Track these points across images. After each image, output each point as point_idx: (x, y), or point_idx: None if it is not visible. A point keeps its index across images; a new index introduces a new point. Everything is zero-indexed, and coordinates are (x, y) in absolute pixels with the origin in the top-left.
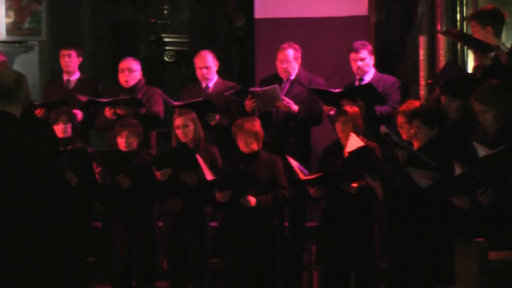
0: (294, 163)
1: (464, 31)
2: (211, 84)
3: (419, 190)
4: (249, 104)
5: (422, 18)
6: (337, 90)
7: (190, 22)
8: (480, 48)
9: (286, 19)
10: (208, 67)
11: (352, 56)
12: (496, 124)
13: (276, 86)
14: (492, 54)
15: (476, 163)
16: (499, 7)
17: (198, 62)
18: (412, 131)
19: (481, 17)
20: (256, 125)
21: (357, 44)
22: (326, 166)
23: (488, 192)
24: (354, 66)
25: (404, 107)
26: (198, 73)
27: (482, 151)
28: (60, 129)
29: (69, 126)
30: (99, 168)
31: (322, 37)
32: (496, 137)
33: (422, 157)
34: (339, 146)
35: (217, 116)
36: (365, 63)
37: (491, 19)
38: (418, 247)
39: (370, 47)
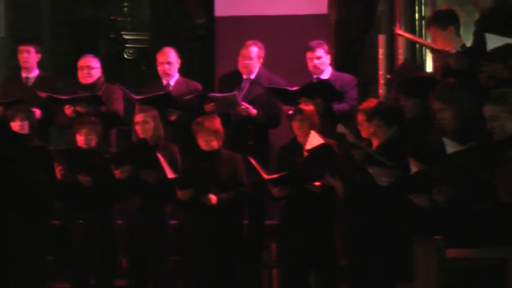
0: (255, 163)
1: (423, 31)
2: (172, 82)
3: (378, 188)
4: (207, 108)
5: (382, 17)
6: (294, 88)
7: (150, 20)
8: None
9: (246, 17)
10: (170, 62)
11: (309, 54)
12: (454, 123)
13: (236, 92)
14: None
15: (433, 161)
16: (457, 7)
17: (160, 57)
18: (371, 130)
19: (440, 19)
20: (217, 123)
21: (313, 42)
22: (284, 164)
23: (444, 190)
24: (310, 65)
25: (364, 105)
26: (160, 69)
27: (451, 147)
28: (17, 127)
29: (26, 123)
30: (60, 167)
31: (283, 35)
32: (455, 136)
33: (377, 157)
34: (296, 144)
35: (178, 113)
36: (321, 62)
37: (451, 19)
38: (378, 245)
39: (326, 46)
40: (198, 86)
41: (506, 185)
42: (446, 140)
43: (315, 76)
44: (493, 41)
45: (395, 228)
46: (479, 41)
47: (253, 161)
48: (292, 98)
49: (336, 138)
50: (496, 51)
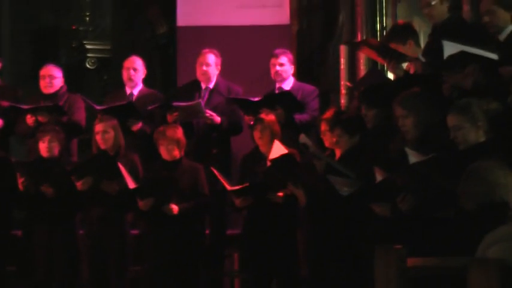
0: (219, 173)
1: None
2: (135, 92)
3: (340, 197)
4: (171, 117)
5: (343, 28)
6: (256, 99)
7: (112, 29)
8: (395, 57)
9: (208, 27)
10: (135, 69)
11: (272, 61)
12: (414, 130)
13: (200, 101)
14: (405, 64)
15: (397, 170)
16: (417, 17)
17: (126, 62)
18: (334, 139)
19: (398, 34)
20: (179, 132)
21: (278, 50)
22: (246, 174)
23: (408, 198)
24: (273, 71)
25: (327, 115)
26: (125, 74)
27: (413, 157)
28: None
29: None
30: (22, 179)
31: (244, 45)
32: (415, 144)
33: (338, 167)
34: (258, 153)
35: (140, 123)
36: (283, 69)
37: (409, 32)
38: (339, 254)
39: (290, 56)
40: (161, 96)
41: (468, 194)
42: (408, 150)
43: (277, 85)
44: (450, 48)
45: (356, 237)
46: (432, 52)
47: (216, 172)
48: (253, 108)
49: (298, 147)
50: (451, 58)
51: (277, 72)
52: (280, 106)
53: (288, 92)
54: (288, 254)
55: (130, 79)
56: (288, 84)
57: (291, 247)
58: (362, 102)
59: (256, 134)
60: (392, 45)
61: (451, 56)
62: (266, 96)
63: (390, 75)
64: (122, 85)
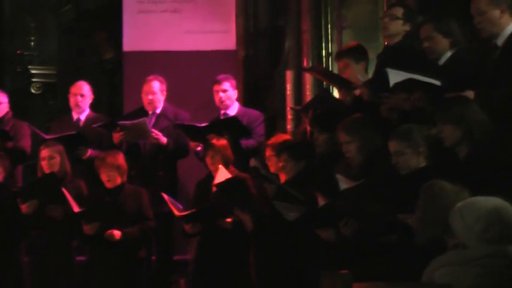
0: (168, 198)
1: (330, 68)
2: (82, 117)
3: (286, 223)
4: (117, 136)
5: (289, 54)
6: (202, 125)
7: (58, 54)
8: (343, 85)
9: (154, 52)
10: (83, 95)
11: (215, 87)
12: (358, 156)
13: (145, 119)
14: (357, 91)
15: (340, 195)
16: (364, 44)
17: (73, 88)
18: (280, 165)
19: (355, 52)
20: (119, 158)
21: (220, 76)
22: (200, 199)
23: (351, 223)
24: (217, 98)
25: (272, 140)
26: (72, 100)
27: (343, 184)
28: None
29: None
30: None
31: (191, 71)
32: (359, 170)
33: (289, 191)
34: (211, 179)
35: (89, 150)
36: (227, 96)
37: (364, 55)
38: (286, 278)
39: (233, 81)
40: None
41: (424, 223)
42: (338, 176)
43: (222, 111)
44: (395, 76)
45: (303, 262)
46: (381, 74)
47: (166, 197)
48: (200, 134)
49: (249, 172)
50: (399, 86)
51: (220, 99)
52: (226, 132)
53: (234, 118)
54: (239, 279)
55: (77, 105)
56: (233, 109)
57: (242, 272)
58: (314, 126)
59: (208, 160)
60: (344, 61)
61: (399, 84)
62: (212, 122)
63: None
64: (68, 110)
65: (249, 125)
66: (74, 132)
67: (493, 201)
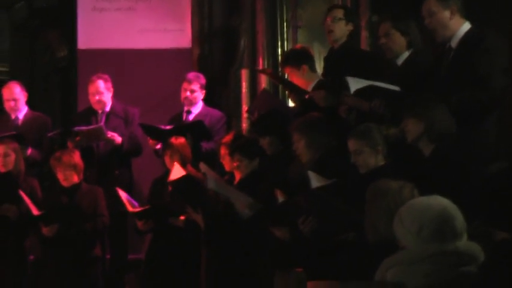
0: (123, 195)
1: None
2: (20, 116)
3: (240, 220)
4: (72, 144)
5: (244, 52)
6: (167, 127)
7: (10, 51)
8: (293, 89)
9: (109, 50)
10: (16, 99)
11: (184, 85)
12: (307, 153)
13: (102, 125)
14: (306, 96)
15: (298, 193)
16: (317, 43)
17: (5, 93)
18: (234, 164)
19: (293, 59)
20: (75, 157)
21: (191, 75)
22: (155, 197)
23: (309, 220)
24: (183, 95)
25: (226, 139)
26: (6, 105)
27: (315, 181)
28: None
29: None
30: None
31: (146, 69)
32: (310, 169)
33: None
34: (168, 177)
35: (29, 150)
36: (194, 96)
37: (304, 58)
38: (239, 277)
39: (203, 81)
40: (47, 119)
41: (372, 225)
42: (311, 174)
43: (185, 108)
44: (355, 84)
45: (256, 261)
46: (330, 76)
47: (120, 193)
48: (162, 136)
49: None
50: (361, 93)
51: (187, 97)
52: (190, 134)
53: (199, 121)
54: (189, 278)
55: (12, 109)
56: (197, 108)
57: (193, 272)
58: (255, 131)
59: (166, 159)
60: (287, 70)
61: (359, 91)
62: (177, 124)
63: (290, 102)
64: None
65: (211, 126)
66: (14, 133)
67: (428, 201)
